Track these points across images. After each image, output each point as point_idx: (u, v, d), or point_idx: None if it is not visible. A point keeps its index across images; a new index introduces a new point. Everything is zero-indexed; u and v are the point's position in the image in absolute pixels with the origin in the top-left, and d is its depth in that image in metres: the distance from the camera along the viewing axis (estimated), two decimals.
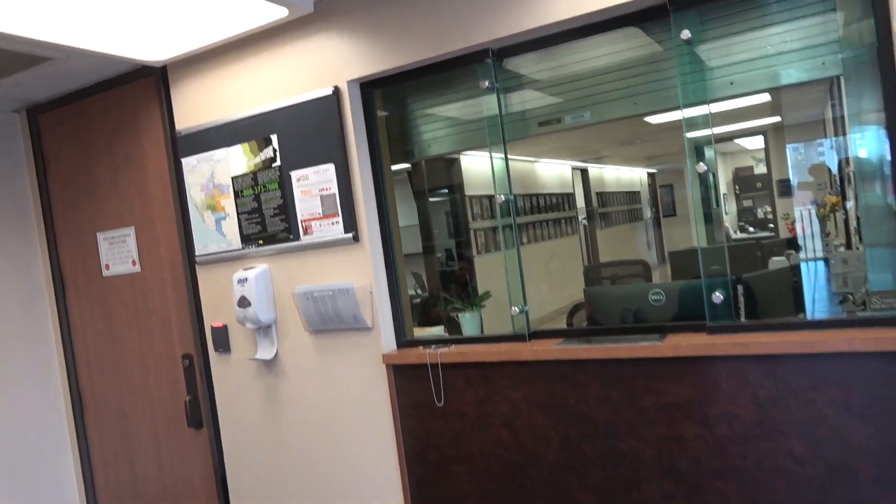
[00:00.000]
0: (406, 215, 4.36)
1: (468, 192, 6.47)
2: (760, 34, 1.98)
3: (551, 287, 6.75)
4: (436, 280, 5.61)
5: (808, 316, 2.71)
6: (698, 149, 2.14)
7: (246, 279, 2.61)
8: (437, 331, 2.71)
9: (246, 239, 2.68)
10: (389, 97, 2.61)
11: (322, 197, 2.49)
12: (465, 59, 2.30)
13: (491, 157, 2.37)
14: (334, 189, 2.46)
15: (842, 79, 4.49)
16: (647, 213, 12.04)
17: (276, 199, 2.58)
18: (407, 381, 2.42)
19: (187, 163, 2.77)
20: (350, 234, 2.45)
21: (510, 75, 2.38)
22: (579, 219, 9.34)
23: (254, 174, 2.62)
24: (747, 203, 11.84)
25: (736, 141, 9.99)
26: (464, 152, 6.27)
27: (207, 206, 2.75)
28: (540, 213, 7.94)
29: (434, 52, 2.27)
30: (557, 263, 7.90)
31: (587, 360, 2.11)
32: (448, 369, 2.34)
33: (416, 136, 2.69)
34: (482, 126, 2.42)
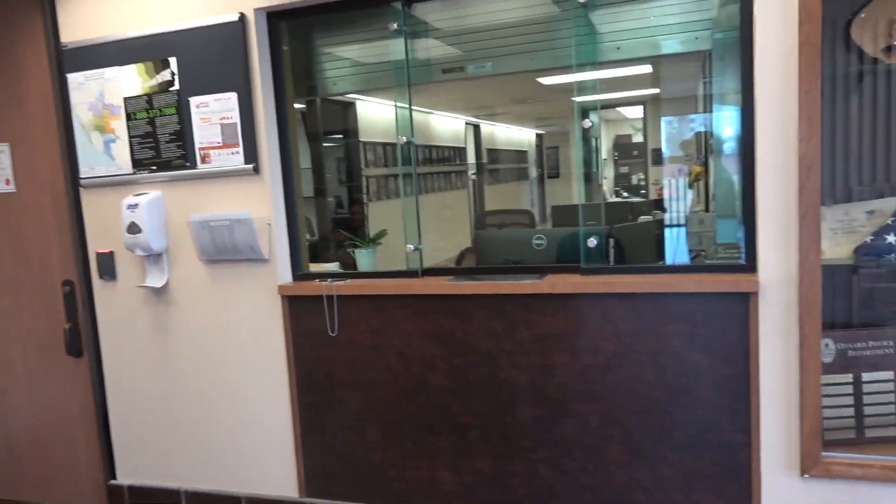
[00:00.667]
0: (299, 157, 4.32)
1: (363, 138, 6.47)
2: (647, 5, 2.18)
3: (441, 236, 6.96)
4: (327, 224, 5.63)
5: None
6: (585, 111, 2.35)
7: (137, 205, 2.55)
8: (332, 267, 2.80)
9: (138, 163, 2.60)
10: (296, 31, 2.60)
11: (223, 126, 2.47)
12: (376, 0, 2.34)
13: (395, 99, 2.45)
14: (236, 119, 2.45)
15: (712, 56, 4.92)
16: (533, 172, 12.53)
17: (173, 124, 2.52)
18: (302, 311, 2.50)
19: (73, 79, 2.62)
20: (251, 166, 2.46)
21: (417, 21, 2.45)
22: (469, 174, 9.59)
23: (149, 97, 2.54)
24: (624, 169, 12.61)
25: (618, 109, 10.58)
26: (361, 97, 6.25)
27: (95, 127, 2.63)
28: (432, 164, 8.08)
29: None
30: (448, 213, 8.12)
31: (474, 295, 2.29)
32: (343, 301, 2.44)
33: (320, 74, 2.71)
34: (387, 69, 2.49)
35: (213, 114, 2.47)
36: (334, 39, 2.63)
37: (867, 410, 2.02)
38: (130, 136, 2.59)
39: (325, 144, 5.94)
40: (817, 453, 1.93)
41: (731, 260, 2.14)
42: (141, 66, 2.53)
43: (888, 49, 1.95)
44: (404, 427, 2.43)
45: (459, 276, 2.40)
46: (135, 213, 2.55)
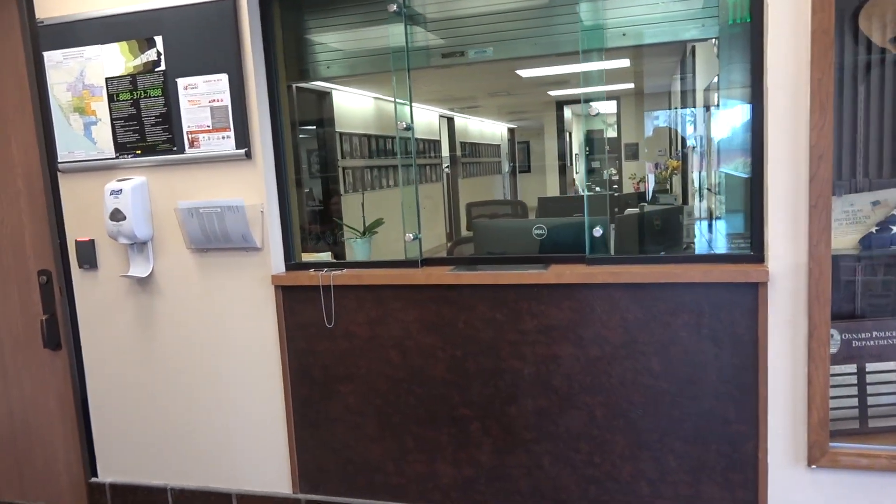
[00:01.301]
0: None
1: (339, 128, 6.36)
2: None
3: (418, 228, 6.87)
4: (302, 215, 5.51)
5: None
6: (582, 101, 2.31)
7: (120, 191, 2.43)
8: (325, 257, 2.71)
9: (121, 147, 2.48)
10: (289, 11, 2.50)
11: (213, 108, 2.36)
12: None
13: (394, 83, 2.38)
14: (227, 101, 2.34)
15: (696, 52, 4.93)
16: (506, 166, 12.52)
17: (159, 106, 2.41)
18: (296, 302, 2.42)
19: (50, 57, 2.48)
20: (242, 150, 2.36)
21: (417, 3, 2.38)
22: (443, 167, 9.53)
23: (133, 77, 2.42)
24: (595, 164, 12.69)
25: (592, 104, 10.63)
26: (337, 87, 6.13)
27: (75, 109, 2.49)
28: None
29: None
30: (427, 205, 8.05)
31: (477, 286, 2.24)
32: (340, 292, 2.37)
33: (313, 57, 2.62)
34: (384, 53, 2.41)
35: (202, 96, 2.36)
36: (330, 21, 2.54)
37: (871, 401, 2.03)
38: (113, 119, 2.46)
39: (301, 136, 5.82)
40: (825, 444, 1.93)
41: (738, 249, 2.13)
42: (124, 44, 2.41)
43: None
44: (402, 420, 2.37)
45: (460, 267, 2.34)
46: (118, 199, 2.43)
